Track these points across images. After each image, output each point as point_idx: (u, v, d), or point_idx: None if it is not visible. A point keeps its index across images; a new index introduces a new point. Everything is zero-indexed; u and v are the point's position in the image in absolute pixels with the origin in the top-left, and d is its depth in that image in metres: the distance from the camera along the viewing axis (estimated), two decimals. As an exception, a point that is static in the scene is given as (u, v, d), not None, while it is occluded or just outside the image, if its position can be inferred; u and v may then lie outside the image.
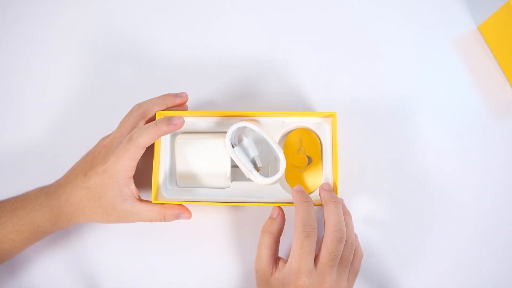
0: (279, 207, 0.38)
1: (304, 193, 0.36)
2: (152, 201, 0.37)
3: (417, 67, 0.46)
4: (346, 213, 0.38)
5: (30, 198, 0.37)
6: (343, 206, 0.39)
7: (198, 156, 0.39)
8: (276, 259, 0.36)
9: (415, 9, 0.47)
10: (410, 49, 0.46)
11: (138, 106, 0.38)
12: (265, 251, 0.36)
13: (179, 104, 0.39)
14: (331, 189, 0.37)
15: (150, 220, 0.37)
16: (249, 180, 0.38)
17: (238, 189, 0.39)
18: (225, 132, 0.37)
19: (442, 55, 0.46)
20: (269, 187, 0.38)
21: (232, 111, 0.39)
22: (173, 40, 0.46)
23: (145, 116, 0.37)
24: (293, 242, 0.34)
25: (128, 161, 0.34)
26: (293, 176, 0.40)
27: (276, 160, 0.39)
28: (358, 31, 0.47)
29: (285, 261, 0.35)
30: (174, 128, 0.34)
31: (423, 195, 0.43)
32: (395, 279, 0.41)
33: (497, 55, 0.46)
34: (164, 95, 0.38)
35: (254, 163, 0.38)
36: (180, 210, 0.38)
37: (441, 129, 0.44)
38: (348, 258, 0.35)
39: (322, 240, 0.34)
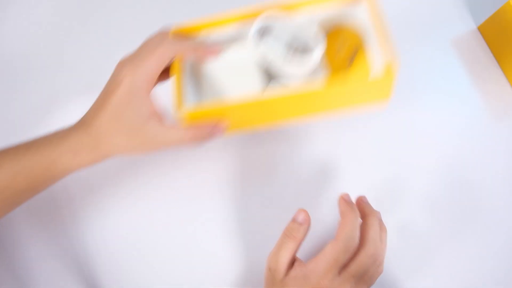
0: (305, 211, 0.35)
1: (352, 204, 0.34)
2: (177, 112, 0.33)
3: (417, 66, 0.46)
4: (382, 229, 0.36)
5: (50, 134, 0.33)
6: (380, 220, 0.37)
7: (224, 69, 0.35)
8: (293, 261, 0.35)
9: (415, 9, 0.47)
10: (410, 49, 0.46)
11: (166, 36, 0.34)
12: (285, 253, 0.34)
13: (204, 56, 0.35)
14: (350, 200, 0.36)
15: (181, 142, 0.33)
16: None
17: None
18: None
19: (442, 55, 0.46)
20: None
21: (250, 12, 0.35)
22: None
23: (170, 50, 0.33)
24: (328, 248, 0.32)
25: (149, 68, 0.31)
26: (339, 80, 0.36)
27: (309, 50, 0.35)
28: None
29: (302, 262, 0.34)
30: (211, 55, 0.33)
31: (422, 195, 0.43)
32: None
33: (497, 55, 0.46)
34: (193, 44, 0.34)
35: (286, 52, 0.34)
36: (213, 124, 0.34)
37: (439, 129, 0.44)
38: (373, 277, 0.33)
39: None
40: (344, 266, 0.32)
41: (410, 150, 0.44)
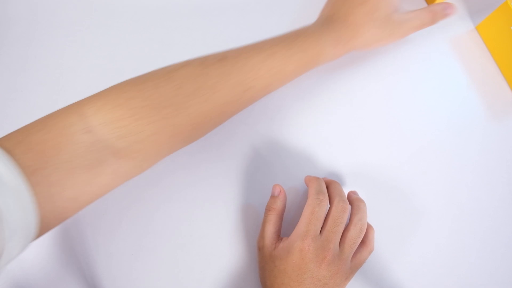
0: (279, 185, 0.39)
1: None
2: None
3: (415, 66, 0.46)
4: (360, 200, 0.38)
5: (308, 26, 0.37)
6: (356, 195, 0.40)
7: None
8: (279, 235, 0.37)
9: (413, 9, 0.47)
10: (408, 49, 0.46)
11: None
12: (269, 227, 0.37)
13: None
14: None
15: (422, 25, 0.39)
16: None
17: None
18: None
19: (439, 55, 0.46)
20: None
21: None
22: None
23: None
24: (304, 209, 0.35)
25: None
26: None
27: None
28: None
29: (288, 238, 0.36)
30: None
31: (421, 195, 0.43)
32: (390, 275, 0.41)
33: (495, 55, 0.46)
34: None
35: None
36: (446, 3, 0.39)
37: (438, 129, 0.44)
38: (355, 239, 0.35)
39: (327, 212, 0.36)
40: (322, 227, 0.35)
41: (406, 150, 0.44)
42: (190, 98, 0.31)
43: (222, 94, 0.32)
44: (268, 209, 0.38)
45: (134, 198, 0.42)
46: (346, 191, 0.41)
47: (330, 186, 0.38)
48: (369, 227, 0.38)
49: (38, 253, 0.41)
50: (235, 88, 0.33)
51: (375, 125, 0.44)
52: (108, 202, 0.42)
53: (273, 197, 0.38)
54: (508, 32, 0.43)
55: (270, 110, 0.44)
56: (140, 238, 0.41)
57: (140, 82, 0.31)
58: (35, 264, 0.41)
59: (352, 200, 0.38)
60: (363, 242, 0.36)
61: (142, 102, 0.29)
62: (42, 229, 0.27)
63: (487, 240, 0.42)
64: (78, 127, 0.27)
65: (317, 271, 0.32)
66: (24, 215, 0.24)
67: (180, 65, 0.32)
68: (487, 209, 0.42)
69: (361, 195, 0.41)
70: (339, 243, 0.35)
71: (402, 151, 0.44)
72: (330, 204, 0.37)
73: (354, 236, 0.35)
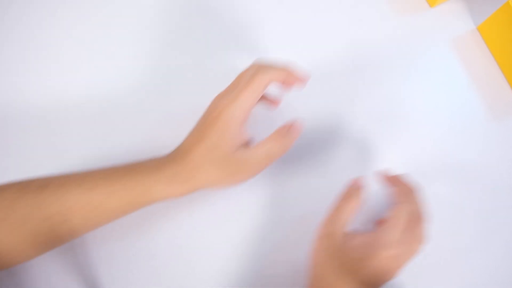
0: (361, 177, 0.36)
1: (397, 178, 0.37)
2: None
3: (416, 66, 0.46)
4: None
5: (145, 161, 0.35)
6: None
7: None
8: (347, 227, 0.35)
9: (415, 8, 0.48)
10: (411, 49, 0.46)
11: (259, 67, 0.34)
12: (345, 215, 0.34)
13: (296, 85, 0.35)
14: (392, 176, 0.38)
15: (270, 156, 0.33)
16: None
17: None
18: None
19: (441, 54, 0.46)
20: None
21: None
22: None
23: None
24: (399, 212, 0.33)
25: (245, 101, 0.32)
26: None
27: None
28: (356, 32, 0.47)
29: (371, 233, 0.34)
30: (301, 84, 0.34)
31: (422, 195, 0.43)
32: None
33: (496, 55, 0.46)
34: (287, 69, 0.34)
35: None
36: (290, 124, 0.35)
37: (439, 129, 0.44)
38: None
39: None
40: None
41: (407, 150, 0.44)
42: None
43: (34, 225, 0.31)
44: (345, 198, 0.35)
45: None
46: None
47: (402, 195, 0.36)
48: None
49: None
50: (49, 219, 0.31)
51: (377, 125, 0.44)
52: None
53: (352, 187, 0.36)
54: (510, 32, 0.43)
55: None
56: (141, 238, 0.41)
57: None
58: (34, 264, 0.41)
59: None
60: None
61: None
62: None
63: (487, 240, 0.42)
64: None
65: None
66: None
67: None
68: (487, 209, 0.42)
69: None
70: None
71: (402, 151, 0.44)
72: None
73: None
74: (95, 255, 0.41)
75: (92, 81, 0.44)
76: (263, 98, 0.36)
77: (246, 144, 0.34)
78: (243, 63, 0.39)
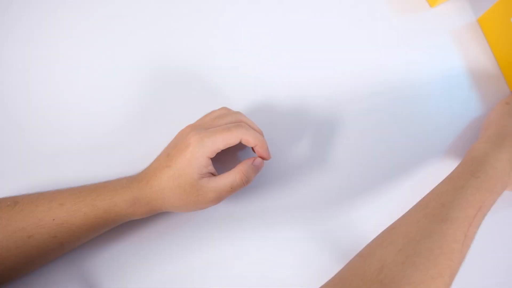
0: None
1: None
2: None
3: (415, 58, 0.46)
4: None
5: (113, 181, 0.37)
6: None
7: None
8: None
9: (415, 8, 0.48)
10: (411, 37, 0.47)
11: (243, 122, 0.37)
12: None
13: (260, 156, 0.37)
14: None
15: (233, 187, 0.35)
16: None
17: None
18: None
19: (441, 46, 0.47)
20: None
21: None
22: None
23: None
24: None
25: (216, 143, 0.34)
26: None
27: None
28: (356, 32, 0.47)
29: None
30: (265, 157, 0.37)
31: (419, 191, 0.43)
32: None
33: (494, 47, 0.46)
34: (263, 141, 0.36)
35: None
36: (253, 159, 0.37)
37: (439, 128, 0.45)
38: None
39: None
40: None
41: (407, 149, 0.44)
42: None
43: (1, 239, 0.33)
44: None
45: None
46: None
47: None
48: None
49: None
50: (16, 233, 0.33)
51: (377, 125, 0.45)
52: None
53: None
54: (508, 24, 0.43)
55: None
56: (140, 238, 0.41)
57: None
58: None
59: None
60: None
61: None
62: None
63: (488, 240, 0.42)
64: None
65: None
66: None
67: None
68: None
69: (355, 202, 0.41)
70: None
71: (402, 151, 0.44)
72: None
73: None
74: (95, 256, 0.41)
75: (92, 81, 0.44)
76: (261, 147, 0.37)
77: (211, 175, 0.35)
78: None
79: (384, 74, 0.46)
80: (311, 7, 0.48)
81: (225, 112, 0.38)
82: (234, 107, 0.41)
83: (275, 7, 0.48)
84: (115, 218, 0.35)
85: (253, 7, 0.47)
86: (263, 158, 0.37)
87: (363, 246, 0.39)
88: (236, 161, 0.41)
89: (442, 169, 0.43)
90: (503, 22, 0.44)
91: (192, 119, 0.39)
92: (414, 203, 0.42)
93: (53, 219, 0.34)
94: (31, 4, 0.47)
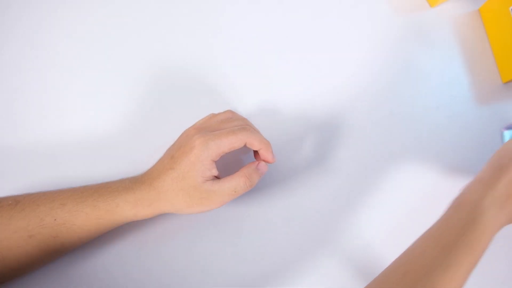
0: None
1: None
2: None
3: (413, 44, 0.47)
4: None
5: (115, 182, 0.36)
6: None
7: None
8: None
9: (415, 8, 0.48)
10: (410, 25, 0.47)
11: (249, 126, 0.37)
12: None
13: (264, 160, 0.37)
14: None
15: (237, 190, 0.35)
16: None
17: None
18: None
19: (441, 45, 0.47)
20: None
21: None
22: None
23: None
24: None
25: (222, 146, 0.33)
26: None
27: None
28: (356, 32, 0.47)
29: None
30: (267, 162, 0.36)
31: (419, 191, 0.43)
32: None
33: (491, 37, 0.47)
34: (268, 144, 0.36)
35: None
36: (257, 163, 0.36)
37: (439, 128, 0.45)
38: None
39: None
40: None
41: (407, 147, 0.44)
42: None
43: (2, 238, 0.32)
44: None
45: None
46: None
47: None
48: None
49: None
50: (17, 233, 0.33)
51: (377, 125, 0.45)
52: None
53: None
54: (507, 14, 0.43)
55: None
56: (142, 240, 0.41)
57: None
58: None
59: None
60: None
61: None
62: None
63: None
64: None
65: None
66: None
67: None
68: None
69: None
70: None
71: (402, 149, 0.44)
72: None
73: None
74: (96, 256, 0.41)
75: (92, 81, 0.44)
76: (266, 152, 0.36)
77: (215, 178, 0.35)
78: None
79: (384, 74, 0.46)
80: (311, 7, 0.48)
81: (231, 116, 0.38)
82: (234, 108, 0.41)
83: (275, 7, 0.48)
84: (117, 219, 0.35)
85: (253, 7, 0.47)
86: (267, 162, 0.37)
87: (364, 247, 0.39)
88: (239, 165, 0.41)
89: (442, 169, 0.43)
90: (502, 12, 0.44)
91: (193, 119, 0.39)
92: (414, 203, 0.42)
93: (55, 219, 0.33)
94: (31, 4, 0.47)
